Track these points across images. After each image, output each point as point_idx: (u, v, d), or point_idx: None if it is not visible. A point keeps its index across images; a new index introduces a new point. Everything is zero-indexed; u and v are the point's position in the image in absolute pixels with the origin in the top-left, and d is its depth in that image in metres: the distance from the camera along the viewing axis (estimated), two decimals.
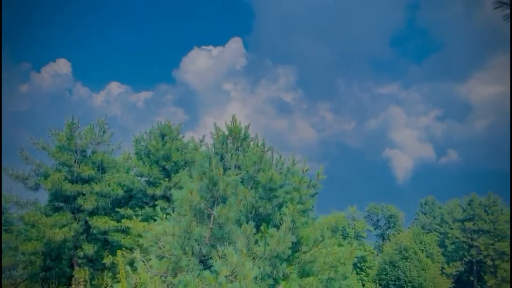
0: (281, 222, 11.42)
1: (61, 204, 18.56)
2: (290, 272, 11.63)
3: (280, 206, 12.28)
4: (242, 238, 10.56)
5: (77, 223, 18.25)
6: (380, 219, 60.80)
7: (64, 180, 17.95)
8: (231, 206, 10.49)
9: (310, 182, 13.23)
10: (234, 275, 9.34)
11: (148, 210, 18.85)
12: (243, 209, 11.98)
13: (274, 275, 10.93)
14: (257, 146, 13.39)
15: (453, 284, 51.50)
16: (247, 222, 11.05)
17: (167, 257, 10.73)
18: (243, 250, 9.49)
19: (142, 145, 20.35)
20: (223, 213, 10.43)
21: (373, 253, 55.61)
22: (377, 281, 45.21)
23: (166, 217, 12.06)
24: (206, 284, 9.21)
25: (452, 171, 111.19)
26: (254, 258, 10.95)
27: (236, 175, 12.27)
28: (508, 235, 52.20)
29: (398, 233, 51.63)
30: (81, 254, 18.08)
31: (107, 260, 17.65)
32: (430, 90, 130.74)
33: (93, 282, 17.78)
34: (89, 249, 17.78)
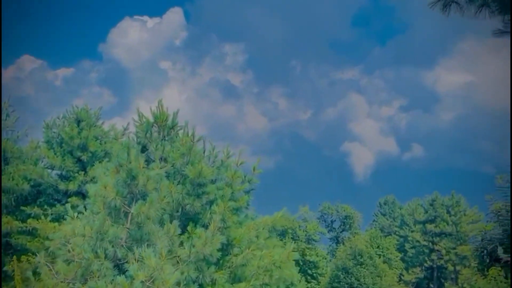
0: (211, 221, 11.81)
1: None
2: (219, 277, 12.07)
3: (211, 203, 12.65)
4: (164, 240, 10.87)
5: None
6: (335, 220, 62.75)
7: None
8: (152, 203, 10.77)
9: (245, 176, 13.70)
10: (152, 280, 9.66)
11: (59, 208, 18.72)
12: (168, 207, 12.25)
13: (200, 281, 11.33)
14: (187, 135, 13.67)
15: None
16: (171, 222, 11.36)
17: (76, 261, 10.88)
18: (162, 252, 9.82)
19: (54, 132, 20.10)
20: (142, 211, 10.70)
21: (325, 258, 57.43)
22: None
23: (77, 216, 12.15)
24: None
25: (415, 167, 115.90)
26: (178, 262, 11.30)
27: (161, 168, 12.53)
28: (470, 238, 55.37)
29: (354, 236, 53.53)
30: None
31: (9, 268, 17.41)
32: (395, 76, 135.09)
33: None
34: None
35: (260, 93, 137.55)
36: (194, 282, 11.24)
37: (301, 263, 55.64)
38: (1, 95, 15.73)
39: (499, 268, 11.55)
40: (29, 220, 18.25)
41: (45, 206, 19.09)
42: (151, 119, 13.71)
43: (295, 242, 55.83)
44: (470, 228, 56.62)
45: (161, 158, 13.28)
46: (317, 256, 56.34)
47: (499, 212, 12.85)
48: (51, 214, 18.53)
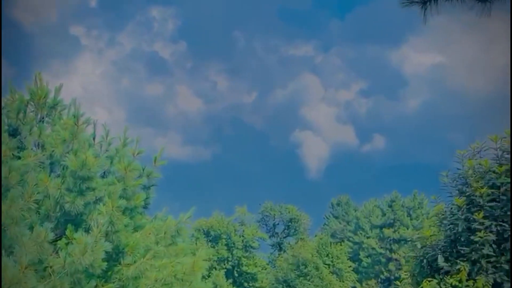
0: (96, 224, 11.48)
1: None
2: None
3: (97, 202, 12.32)
4: (30, 246, 10.42)
5: None
6: (278, 224, 63.26)
7: None
8: (15, 201, 10.31)
9: (143, 169, 13.43)
10: None
11: None
12: (43, 207, 11.88)
13: None
14: (73, 117, 13.25)
15: None
16: (42, 224, 10.94)
17: None
18: (22, 261, 9.39)
19: None
20: (2, 211, 10.24)
21: (265, 269, 57.88)
22: None
23: None
24: None
25: (375, 161, 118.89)
26: (50, 274, 10.89)
27: (34, 156, 12.11)
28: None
29: (298, 243, 54.09)
30: None
31: None
32: (355, 55, 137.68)
33: None
34: None
35: (194, 69, 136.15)
36: None
37: (237, 275, 55.84)
38: None
39: (437, 280, 11.71)
40: None
41: None
42: (27, 96, 13.32)
43: (229, 250, 56.11)
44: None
45: (37, 144, 12.97)
46: (256, 266, 56.70)
47: (442, 215, 13.06)
48: None
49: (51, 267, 10.83)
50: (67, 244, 11.37)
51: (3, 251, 10.24)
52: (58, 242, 11.41)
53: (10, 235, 10.62)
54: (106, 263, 11.47)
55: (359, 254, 62.51)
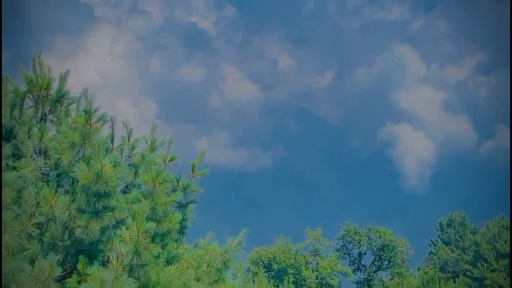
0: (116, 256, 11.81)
1: None
2: None
3: (118, 226, 12.65)
4: (32, 286, 10.85)
5: None
6: (365, 253, 62.93)
7: None
8: (10, 227, 10.73)
9: (178, 181, 13.69)
10: None
11: None
12: (47, 233, 12.25)
13: None
14: (85, 113, 13.61)
15: None
16: (46, 256, 11.34)
17: None
18: None
19: None
20: None
21: None
22: None
23: None
24: None
25: (501, 164, 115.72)
26: None
27: (34, 167, 12.53)
28: None
29: (393, 279, 53.71)
30: None
31: None
32: (466, 15, 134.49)
33: None
34: None
35: (246, 42, 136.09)
36: None
37: None
38: None
39: None
40: None
41: None
42: (24, 87, 13.72)
43: None
44: None
45: (37, 151, 13.32)
46: None
47: None
48: None
49: None
50: (79, 282, 11.76)
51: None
52: (68, 279, 11.81)
53: (4, 272, 11.04)
54: None
55: None
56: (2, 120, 13.50)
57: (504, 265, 61.44)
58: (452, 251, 67.43)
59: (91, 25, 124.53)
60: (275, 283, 54.76)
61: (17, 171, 12.27)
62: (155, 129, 14.24)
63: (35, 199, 11.64)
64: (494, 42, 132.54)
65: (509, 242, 61.63)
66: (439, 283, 55.95)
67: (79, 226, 12.27)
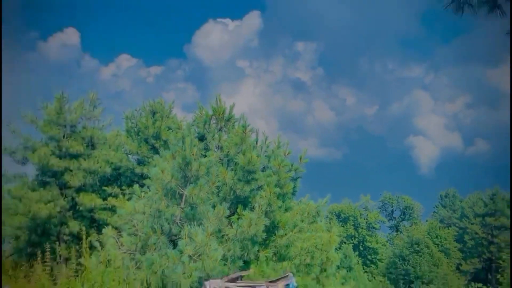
0: (258, 205, 11.96)
1: (48, 179, 19.35)
2: (265, 256, 12.23)
3: (259, 189, 12.78)
4: (213, 219, 11.16)
5: (64, 199, 19.05)
6: (395, 210, 61.14)
7: (51, 155, 18.72)
8: (203, 187, 11.07)
9: (292, 165, 13.73)
10: (198, 255, 9.97)
11: (136, 189, 19.57)
12: (221, 191, 12.56)
13: (245, 257, 11.54)
14: (242, 127, 13.86)
15: (467, 281, 51.75)
16: (221, 204, 11.63)
17: (138, 235, 11.43)
18: (208, 230, 10.10)
19: (132, 123, 21.10)
20: (194, 193, 11.02)
21: (385, 245, 56.13)
22: (386, 275, 45.78)
23: (144, 196, 12.73)
24: (170, 263, 9.87)
25: (478, 162, 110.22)
26: (226, 240, 11.57)
27: (215, 155, 12.86)
28: None
29: (411, 226, 51.93)
30: (67, 231, 18.92)
31: (93, 238, 18.44)
32: (460, 74, 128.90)
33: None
34: (74, 226, 18.60)
35: (328, 88, 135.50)
36: (239, 258, 11.47)
37: (361, 248, 54.75)
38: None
39: None
40: (109, 199, 19.29)
41: (123, 187, 20.11)
42: (210, 112, 14.07)
43: (356, 229, 55.11)
44: None
45: (217, 147, 13.62)
46: (377, 243, 55.28)
47: None
48: (128, 193, 19.45)
49: (227, 235, 11.51)
50: (238, 218, 12.01)
51: (194, 222, 11.01)
52: (232, 217, 12.08)
53: (199, 211, 11.42)
54: (265, 234, 11.97)
55: (464, 237, 58.61)
56: (199, 130, 13.85)
57: (479, 221, 58.21)
58: (447, 211, 64.53)
59: (242, 78, 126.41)
60: (342, 225, 53.86)
61: (206, 157, 12.58)
62: (280, 137, 14.28)
63: (216, 173, 11.94)
64: (475, 89, 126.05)
65: (483, 207, 58.35)
66: (439, 229, 53.69)
67: (238, 188, 12.47)
